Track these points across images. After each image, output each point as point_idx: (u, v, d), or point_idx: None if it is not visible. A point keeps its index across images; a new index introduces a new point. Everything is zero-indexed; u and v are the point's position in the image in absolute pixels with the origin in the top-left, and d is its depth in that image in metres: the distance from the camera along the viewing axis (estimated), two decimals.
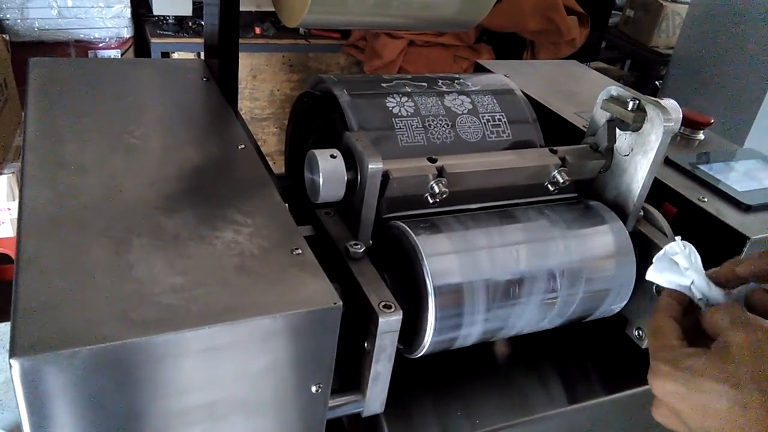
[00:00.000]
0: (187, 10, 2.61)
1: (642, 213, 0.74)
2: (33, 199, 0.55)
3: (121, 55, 2.61)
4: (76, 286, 0.46)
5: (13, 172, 1.87)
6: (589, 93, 1.01)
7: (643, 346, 0.71)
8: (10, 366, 0.40)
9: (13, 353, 0.40)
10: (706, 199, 0.76)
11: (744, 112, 2.34)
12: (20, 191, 0.57)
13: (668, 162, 0.83)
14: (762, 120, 2.30)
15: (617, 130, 0.73)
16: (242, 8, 0.81)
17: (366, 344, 0.57)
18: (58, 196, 0.56)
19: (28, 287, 0.46)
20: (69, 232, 0.52)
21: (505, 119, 0.78)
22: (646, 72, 3.33)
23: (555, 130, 0.86)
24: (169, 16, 2.69)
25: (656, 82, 3.23)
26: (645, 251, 0.72)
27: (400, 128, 0.73)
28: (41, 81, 0.76)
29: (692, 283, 0.49)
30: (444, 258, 0.62)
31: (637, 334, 0.74)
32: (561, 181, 0.72)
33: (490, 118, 0.77)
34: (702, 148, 0.92)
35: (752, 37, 2.34)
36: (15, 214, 1.88)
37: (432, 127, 0.74)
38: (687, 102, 0.84)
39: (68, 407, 0.44)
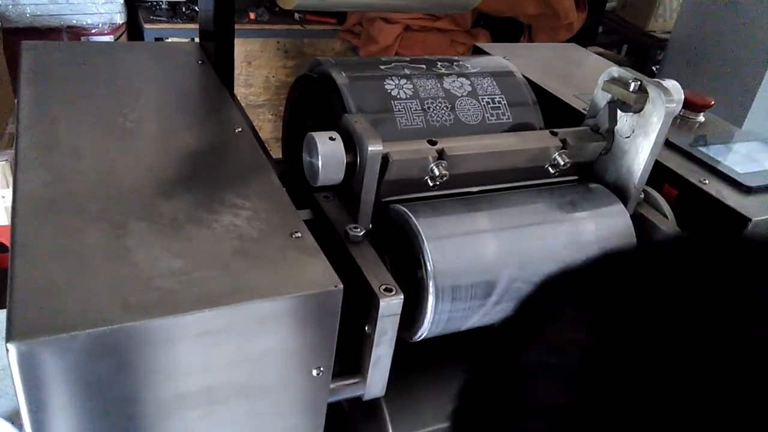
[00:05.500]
0: None
1: (643, 195, 0.74)
2: (27, 183, 0.54)
3: (114, 41, 2.58)
4: (74, 270, 0.46)
5: (6, 160, 1.85)
6: (588, 76, 1.00)
7: None
8: (7, 350, 0.39)
9: (10, 337, 0.40)
10: (707, 181, 0.76)
11: (742, 96, 2.33)
12: (14, 175, 0.56)
13: (668, 144, 0.83)
14: (760, 103, 2.30)
15: (618, 111, 0.72)
16: None
17: (367, 328, 0.57)
18: (53, 179, 0.55)
19: (25, 271, 0.45)
20: (65, 216, 0.51)
21: (505, 102, 0.78)
22: (643, 57, 3.32)
23: (554, 112, 0.85)
24: (162, 1, 2.66)
25: (653, 67, 3.22)
26: (646, 234, 0.71)
27: (399, 111, 0.72)
28: (34, 64, 0.75)
29: None
30: (444, 241, 0.61)
31: None
32: (562, 163, 0.71)
33: (489, 100, 0.77)
34: (702, 131, 0.91)
35: (749, 21, 2.33)
36: (9, 202, 1.86)
37: (431, 109, 0.73)
38: (684, 86, 0.84)
39: (66, 391, 0.43)
